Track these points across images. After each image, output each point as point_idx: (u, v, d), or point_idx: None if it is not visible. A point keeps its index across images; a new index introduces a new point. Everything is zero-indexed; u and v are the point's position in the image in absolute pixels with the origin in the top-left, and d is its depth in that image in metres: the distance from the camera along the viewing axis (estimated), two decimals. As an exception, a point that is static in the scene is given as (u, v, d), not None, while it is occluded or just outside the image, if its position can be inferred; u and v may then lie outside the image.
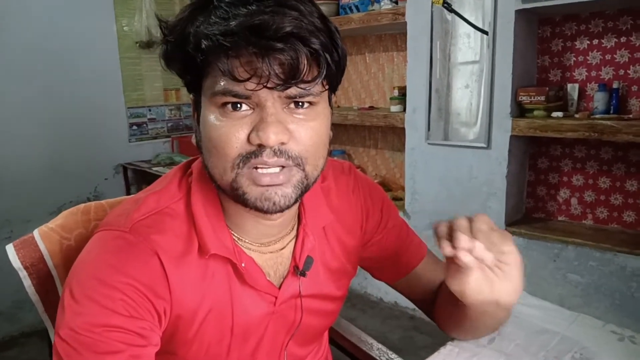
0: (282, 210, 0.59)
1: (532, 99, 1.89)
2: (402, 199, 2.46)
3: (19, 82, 2.44)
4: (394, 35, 2.58)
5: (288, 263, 0.72)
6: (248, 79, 0.53)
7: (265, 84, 0.53)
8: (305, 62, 0.53)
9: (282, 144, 0.56)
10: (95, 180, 2.81)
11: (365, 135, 2.84)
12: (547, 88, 1.88)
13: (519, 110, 1.98)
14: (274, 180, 0.57)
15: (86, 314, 0.56)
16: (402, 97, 2.39)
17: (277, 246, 0.71)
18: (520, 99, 1.93)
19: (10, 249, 0.76)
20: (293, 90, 0.55)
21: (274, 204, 0.58)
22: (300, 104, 0.57)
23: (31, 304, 0.78)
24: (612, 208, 1.96)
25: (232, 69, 0.53)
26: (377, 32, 2.61)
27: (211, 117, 0.57)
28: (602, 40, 1.86)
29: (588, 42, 1.90)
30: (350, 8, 2.49)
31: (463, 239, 0.58)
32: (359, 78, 2.79)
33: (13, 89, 2.42)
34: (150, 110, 3.04)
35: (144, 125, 3.03)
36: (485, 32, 1.94)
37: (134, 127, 2.98)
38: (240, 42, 0.51)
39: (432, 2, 2.09)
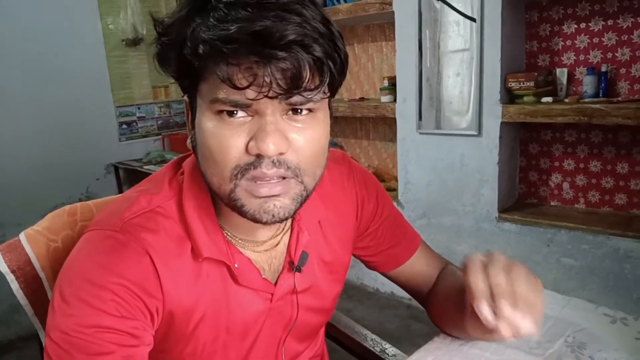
0: (280, 222, 0.58)
1: (522, 84, 1.89)
2: (395, 189, 2.46)
3: (5, 85, 2.41)
4: (381, 25, 2.57)
5: (282, 257, 0.71)
6: (247, 87, 0.50)
7: (266, 94, 0.51)
8: (308, 70, 0.51)
9: (281, 154, 0.54)
10: (87, 181, 2.79)
11: (356, 126, 2.83)
12: (536, 73, 1.88)
13: (509, 97, 1.98)
14: (272, 191, 0.56)
15: (77, 315, 0.55)
16: (392, 87, 2.38)
17: (271, 242, 0.70)
18: (509, 85, 1.92)
19: (-4, 253, 0.75)
20: (294, 99, 0.53)
21: (273, 216, 0.57)
22: (299, 111, 0.55)
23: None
24: (603, 191, 1.97)
25: (231, 76, 0.50)
26: (365, 22, 2.60)
27: (208, 123, 0.55)
28: (590, 24, 1.86)
29: (575, 25, 1.90)
30: (337, -1, 2.48)
31: (506, 309, 0.56)
32: (348, 69, 2.78)
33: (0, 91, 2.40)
34: (139, 108, 3.02)
35: (134, 123, 3.01)
36: (473, 19, 1.94)
37: (124, 126, 2.96)
38: (241, 49, 0.49)
39: (419, -9, 2.08)
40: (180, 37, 0.53)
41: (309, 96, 0.53)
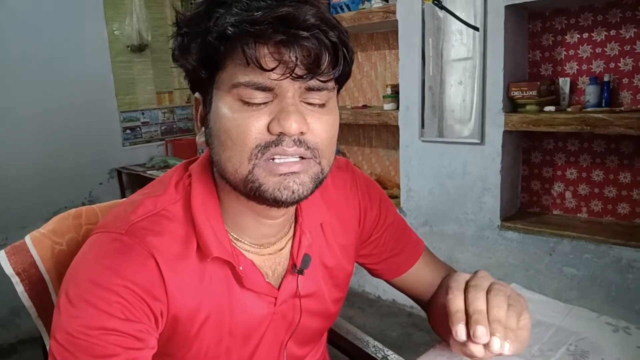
0: (298, 201, 0.60)
1: (524, 93, 1.90)
2: (397, 197, 2.46)
3: (11, 90, 2.43)
4: (385, 33, 2.58)
5: (286, 263, 0.72)
6: (274, 69, 0.53)
7: (290, 74, 0.54)
8: (326, 54, 0.55)
9: (302, 134, 0.57)
10: (90, 185, 2.80)
11: (359, 134, 2.84)
12: (539, 83, 1.88)
13: (512, 106, 1.98)
14: (291, 169, 0.57)
15: (82, 317, 0.55)
16: (395, 95, 2.39)
17: (276, 247, 0.70)
18: (512, 94, 1.93)
19: (2, 255, 0.75)
20: (313, 82, 0.56)
21: (293, 192, 0.58)
22: (315, 103, 0.58)
23: (28, 311, 0.78)
24: (606, 200, 1.97)
25: (259, 57, 0.53)
26: (369, 31, 2.61)
27: (226, 109, 0.57)
28: (592, 34, 1.87)
29: (578, 35, 1.91)
30: (341, 7, 2.49)
31: (481, 334, 0.58)
32: (351, 77, 2.78)
33: (5, 96, 2.41)
34: (143, 113, 3.03)
35: (138, 129, 3.02)
36: (476, 29, 1.95)
37: (128, 131, 2.97)
38: (268, 29, 0.52)
39: (423, 0, 2.09)
40: (204, 27, 0.55)
41: (326, 80, 0.56)
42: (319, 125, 0.58)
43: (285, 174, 0.57)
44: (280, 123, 0.55)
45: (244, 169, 0.58)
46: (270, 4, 0.53)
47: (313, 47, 0.53)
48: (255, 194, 0.59)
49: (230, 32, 0.53)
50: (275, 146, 0.56)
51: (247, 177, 0.58)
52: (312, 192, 0.60)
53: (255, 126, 0.56)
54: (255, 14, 0.52)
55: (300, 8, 0.53)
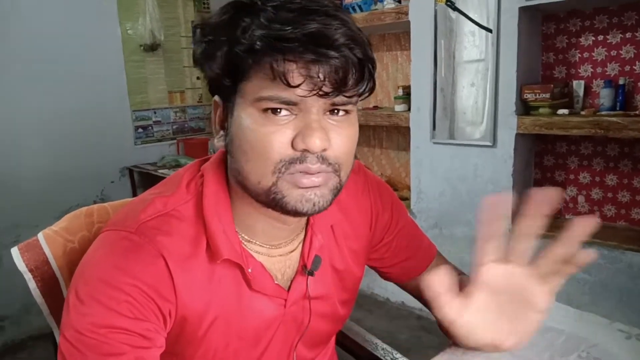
0: (318, 212, 0.60)
1: (537, 96, 1.88)
2: (407, 199, 2.45)
3: (25, 89, 2.45)
4: (397, 35, 2.57)
5: (296, 266, 0.71)
6: (299, 85, 0.53)
7: (317, 92, 0.54)
8: (353, 70, 0.55)
9: (324, 150, 0.57)
10: (102, 184, 2.82)
11: (369, 134, 2.83)
12: (552, 85, 1.86)
13: (524, 108, 1.96)
14: (313, 182, 0.58)
15: (91, 314, 0.56)
16: (406, 96, 2.38)
17: (286, 249, 0.70)
18: (525, 97, 1.91)
19: (15, 252, 0.76)
20: (338, 99, 0.56)
21: (314, 205, 0.59)
22: (336, 111, 0.58)
23: (39, 308, 0.78)
24: (619, 205, 1.95)
25: (286, 73, 0.53)
26: (381, 32, 2.60)
27: (249, 120, 0.57)
28: (607, 36, 1.85)
29: (593, 38, 1.89)
30: (353, 8, 2.49)
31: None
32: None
33: (19, 95, 2.44)
34: (155, 112, 3.05)
35: (150, 127, 3.04)
36: (489, 30, 1.94)
37: (140, 130, 2.99)
38: (299, 48, 0.52)
39: (436, 1, 2.08)
40: (230, 36, 0.55)
41: (351, 95, 0.57)
42: (340, 140, 0.59)
43: (307, 188, 0.58)
44: (305, 140, 0.55)
45: (267, 181, 0.58)
46: (299, 18, 0.52)
47: (341, 65, 0.53)
48: (277, 205, 0.59)
49: (258, 46, 0.53)
50: (299, 163, 0.57)
51: (271, 188, 0.58)
52: (330, 203, 0.61)
53: (280, 141, 0.56)
54: (285, 28, 0.52)
55: (330, 25, 0.53)
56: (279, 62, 0.53)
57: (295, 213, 0.59)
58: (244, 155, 0.59)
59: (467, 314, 0.64)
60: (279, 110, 0.56)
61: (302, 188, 0.58)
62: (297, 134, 0.56)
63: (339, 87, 0.54)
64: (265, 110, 0.56)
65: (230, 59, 0.56)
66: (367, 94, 0.61)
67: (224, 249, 0.63)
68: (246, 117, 0.57)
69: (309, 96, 0.54)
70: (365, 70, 0.56)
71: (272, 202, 0.59)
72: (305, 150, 0.56)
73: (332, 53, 0.52)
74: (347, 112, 0.59)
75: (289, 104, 0.55)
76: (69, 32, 2.57)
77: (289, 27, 0.52)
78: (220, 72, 0.58)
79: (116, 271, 0.58)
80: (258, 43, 0.53)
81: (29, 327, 2.43)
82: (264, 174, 0.57)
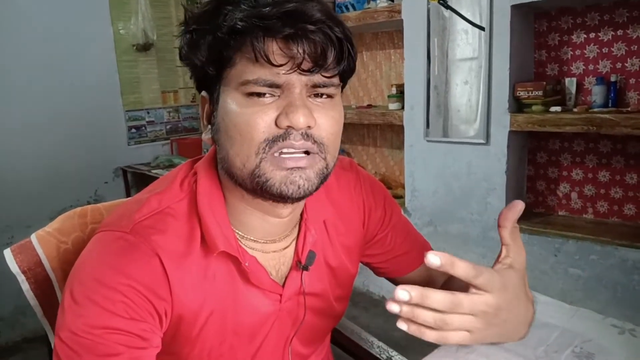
0: (304, 197, 0.60)
1: (530, 93, 1.89)
2: (402, 197, 2.46)
3: (17, 88, 2.44)
4: (390, 33, 2.58)
5: (290, 263, 0.72)
6: (282, 65, 0.55)
7: (298, 68, 0.55)
8: (332, 48, 0.56)
9: (309, 128, 0.58)
10: (95, 184, 2.81)
11: (363, 133, 2.83)
12: (545, 83, 1.87)
13: (517, 106, 1.97)
14: (297, 163, 0.58)
15: (86, 315, 0.56)
16: (400, 94, 2.39)
17: (280, 245, 0.70)
18: (518, 94, 1.92)
19: (8, 253, 0.76)
20: (318, 78, 0.57)
21: (299, 187, 0.59)
22: (320, 95, 0.59)
23: (33, 310, 0.78)
24: (612, 201, 1.96)
25: (267, 52, 0.54)
26: (374, 30, 2.61)
27: (234, 104, 0.58)
28: (599, 34, 1.86)
29: (585, 35, 1.90)
30: (346, 6, 2.49)
31: (400, 293, 0.52)
32: (356, 76, 2.77)
33: (11, 95, 2.42)
34: (148, 112, 3.04)
35: (143, 128, 3.03)
36: (482, 28, 1.94)
37: (133, 130, 2.98)
38: (277, 23, 0.53)
39: (428, -1, 2.09)
40: (213, 24, 0.56)
41: (332, 74, 0.58)
42: (324, 120, 0.59)
43: (291, 169, 0.58)
44: (288, 117, 0.56)
45: (251, 162, 0.58)
46: (278, 1, 0.54)
47: (320, 41, 0.55)
48: (261, 189, 0.59)
49: (239, 26, 0.54)
50: (283, 140, 0.57)
51: (254, 171, 0.58)
52: (317, 188, 0.61)
53: (264, 120, 0.57)
54: (264, 9, 0.54)
55: (307, 4, 0.55)
56: (259, 38, 0.54)
57: (281, 196, 0.59)
58: (229, 139, 0.59)
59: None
60: (263, 94, 0.57)
61: (287, 169, 0.58)
62: (281, 112, 0.57)
63: (320, 63, 0.56)
64: (250, 94, 0.57)
65: (214, 45, 0.57)
66: (348, 75, 0.62)
67: (220, 241, 0.63)
68: (231, 101, 0.58)
69: (290, 73, 0.55)
70: (344, 49, 0.57)
71: (257, 187, 0.59)
72: (290, 127, 0.57)
73: (311, 27, 0.54)
74: (330, 96, 0.60)
75: (273, 86, 0.56)
76: (60, 32, 2.55)
77: (268, 7, 0.54)
78: (205, 60, 0.59)
79: (111, 271, 0.57)
80: (239, 23, 0.54)
81: (23, 330, 2.42)
82: (248, 155, 0.58)
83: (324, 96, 0.60)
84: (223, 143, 0.61)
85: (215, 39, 0.56)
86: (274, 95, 0.57)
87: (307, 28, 0.54)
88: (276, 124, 0.57)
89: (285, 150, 0.58)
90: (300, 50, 0.54)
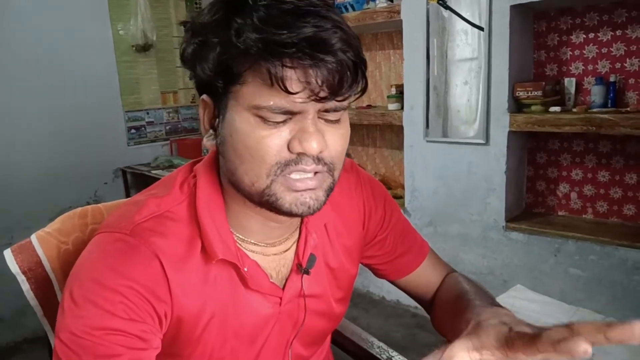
0: (312, 213, 0.60)
1: (529, 94, 1.89)
2: (402, 197, 2.46)
3: (17, 90, 2.44)
4: (389, 33, 2.58)
5: (291, 265, 0.71)
6: (299, 92, 0.53)
7: (315, 97, 0.53)
8: (349, 73, 0.54)
9: (320, 152, 0.57)
10: (95, 185, 2.81)
11: (363, 133, 2.83)
12: (544, 83, 1.88)
13: (517, 106, 1.97)
14: (307, 185, 0.58)
15: (86, 317, 0.55)
16: (399, 95, 2.39)
17: (281, 247, 0.70)
18: (517, 95, 1.93)
19: (8, 254, 0.76)
20: (332, 104, 0.56)
21: (309, 207, 0.59)
22: (330, 111, 0.58)
23: (33, 310, 0.78)
24: (611, 201, 1.96)
25: (285, 80, 0.52)
26: (373, 31, 2.61)
27: (244, 124, 0.56)
28: (598, 34, 1.86)
29: (584, 35, 1.90)
30: (345, 7, 2.49)
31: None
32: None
33: (10, 96, 2.42)
34: (148, 113, 3.04)
35: (143, 128, 3.03)
36: (481, 28, 1.94)
37: (133, 131, 2.98)
38: (297, 54, 0.51)
39: (427, 0, 2.09)
40: (223, 38, 0.54)
41: (347, 95, 0.56)
42: (335, 140, 0.59)
43: (302, 190, 0.58)
44: (302, 144, 0.55)
45: (261, 183, 0.58)
46: (292, 20, 0.51)
47: (337, 69, 0.53)
48: (271, 207, 0.59)
49: (254, 51, 0.52)
50: (295, 164, 0.57)
51: (265, 190, 0.58)
52: (324, 203, 0.61)
53: (276, 144, 0.56)
54: (280, 32, 0.51)
55: (324, 27, 0.52)
56: (276, 67, 0.52)
57: (290, 215, 0.59)
58: (238, 157, 0.58)
59: None
60: (276, 118, 0.55)
61: (297, 191, 0.58)
62: (294, 137, 0.56)
63: (335, 91, 0.54)
64: (262, 116, 0.55)
65: (223, 61, 0.55)
66: (359, 95, 0.60)
67: (219, 249, 0.63)
68: (240, 120, 0.56)
69: (307, 102, 0.54)
70: (358, 72, 0.56)
71: (266, 204, 0.59)
72: (302, 153, 0.56)
73: (329, 58, 0.52)
74: (338, 120, 0.59)
75: (287, 113, 0.55)
76: (60, 32, 2.56)
77: (285, 31, 0.51)
78: (213, 74, 0.57)
79: (111, 273, 0.57)
80: (254, 48, 0.52)
81: (23, 330, 2.42)
82: (259, 175, 0.57)
83: (335, 114, 0.59)
84: (230, 157, 0.60)
85: (225, 55, 0.54)
86: (287, 118, 0.56)
87: (326, 59, 0.52)
88: (288, 149, 0.56)
89: (295, 172, 0.57)
90: (319, 81, 0.52)
